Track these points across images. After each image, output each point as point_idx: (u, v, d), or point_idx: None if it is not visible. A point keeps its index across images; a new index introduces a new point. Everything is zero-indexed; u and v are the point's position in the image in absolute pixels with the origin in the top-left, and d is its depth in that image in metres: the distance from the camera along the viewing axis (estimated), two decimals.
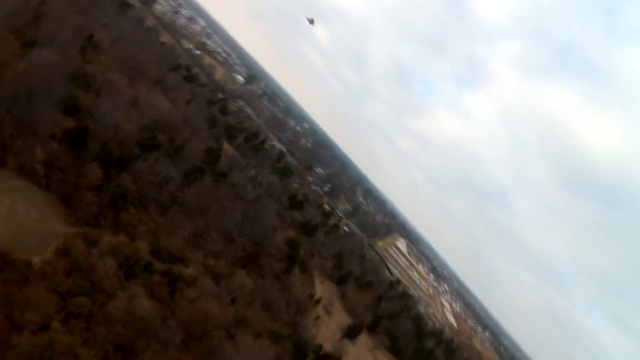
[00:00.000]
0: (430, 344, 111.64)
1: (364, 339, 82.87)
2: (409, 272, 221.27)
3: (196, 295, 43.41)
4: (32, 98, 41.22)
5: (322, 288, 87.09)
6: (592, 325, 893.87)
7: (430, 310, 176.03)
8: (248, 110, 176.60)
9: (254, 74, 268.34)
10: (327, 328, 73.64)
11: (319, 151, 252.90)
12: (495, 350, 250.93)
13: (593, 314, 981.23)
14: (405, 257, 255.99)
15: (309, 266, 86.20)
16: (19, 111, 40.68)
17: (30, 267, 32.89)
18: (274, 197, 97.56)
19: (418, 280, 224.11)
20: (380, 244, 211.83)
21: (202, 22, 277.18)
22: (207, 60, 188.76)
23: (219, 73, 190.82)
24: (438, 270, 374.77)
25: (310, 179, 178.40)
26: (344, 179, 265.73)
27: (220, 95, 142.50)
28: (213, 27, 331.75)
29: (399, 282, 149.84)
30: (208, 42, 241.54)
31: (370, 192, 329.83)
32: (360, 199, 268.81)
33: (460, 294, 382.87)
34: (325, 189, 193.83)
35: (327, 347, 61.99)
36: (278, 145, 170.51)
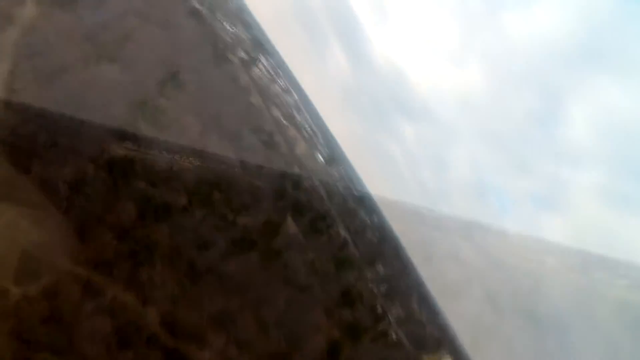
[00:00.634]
0: None
1: None
2: None
3: None
4: (83, 111, 37.91)
5: None
6: None
7: None
8: (321, 191, 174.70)
9: (335, 157, 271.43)
10: None
11: (383, 247, 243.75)
12: None
13: None
14: None
15: None
16: (63, 121, 37.24)
17: (6, 296, 26.38)
18: (327, 288, 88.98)
19: None
20: (425, 357, 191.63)
21: (295, 96, 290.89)
22: (292, 132, 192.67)
23: (301, 148, 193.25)
24: None
25: (369, 275, 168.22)
26: (403, 281, 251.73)
27: (297, 170, 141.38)
28: (305, 102, 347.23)
29: None
30: (297, 116, 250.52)
31: (426, 299, 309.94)
32: (415, 305, 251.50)
33: None
34: (382, 288, 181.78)
35: None
36: (343, 233, 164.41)
